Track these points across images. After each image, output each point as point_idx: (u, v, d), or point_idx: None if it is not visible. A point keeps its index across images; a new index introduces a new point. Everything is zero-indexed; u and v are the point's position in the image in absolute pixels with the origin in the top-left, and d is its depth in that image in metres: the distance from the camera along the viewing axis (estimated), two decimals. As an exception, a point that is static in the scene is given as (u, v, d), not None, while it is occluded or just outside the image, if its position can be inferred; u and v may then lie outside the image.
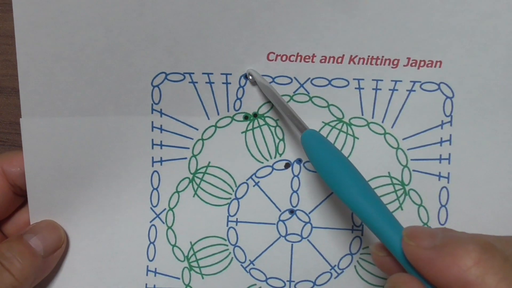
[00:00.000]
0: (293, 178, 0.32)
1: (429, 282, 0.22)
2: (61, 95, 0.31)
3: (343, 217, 0.32)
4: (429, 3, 0.30)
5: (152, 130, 0.32)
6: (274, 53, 0.31)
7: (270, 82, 0.31)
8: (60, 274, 0.33)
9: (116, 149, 0.32)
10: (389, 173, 0.31)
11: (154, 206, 0.32)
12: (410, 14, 0.30)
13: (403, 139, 0.31)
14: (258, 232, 0.32)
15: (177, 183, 0.32)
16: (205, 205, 0.32)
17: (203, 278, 0.33)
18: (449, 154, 0.31)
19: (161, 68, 0.31)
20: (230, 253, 0.32)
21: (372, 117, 0.31)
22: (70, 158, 0.31)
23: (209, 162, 0.32)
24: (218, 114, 0.32)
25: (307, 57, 0.31)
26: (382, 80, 0.31)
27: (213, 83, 0.31)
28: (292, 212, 0.32)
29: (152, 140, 0.32)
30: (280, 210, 0.32)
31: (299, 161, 0.32)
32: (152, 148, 0.32)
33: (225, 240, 0.32)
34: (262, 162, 0.32)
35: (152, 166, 0.32)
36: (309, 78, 0.31)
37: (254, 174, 0.32)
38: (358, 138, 0.31)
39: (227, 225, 0.32)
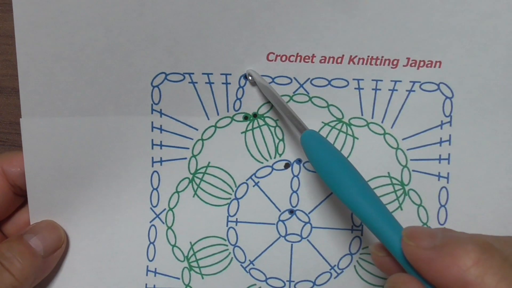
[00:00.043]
0: (292, 178, 0.32)
1: (428, 282, 0.22)
2: (61, 95, 0.31)
3: (342, 217, 0.32)
4: (428, 3, 0.30)
5: (152, 130, 0.32)
6: (274, 53, 0.31)
7: (270, 82, 0.31)
8: (60, 274, 0.33)
9: (116, 149, 0.32)
10: (388, 173, 0.32)
11: (154, 206, 0.32)
12: (410, 14, 0.30)
13: (403, 139, 0.31)
14: (258, 232, 0.32)
15: (177, 183, 0.32)
16: (205, 205, 0.32)
17: (203, 278, 0.33)
18: (449, 154, 0.31)
19: (161, 68, 0.31)
20: (230, 253, 0.33)
21: (372, 117, 0.31)
22: (70, 158, 0.31)
23: (209, 162, 0.32)
24: (218, 114, 0.32)
25: (307, 57, 0.31)
26: (381, 80, 0.31)
27: (213, 83, 0.31)
28: (291, 212, 0.32)
29: (152, 140, 0.32)
30: (280, 210, 0.32)
31: (298, 161, 0.32)
32: (152, 148, 0.32)
33: (225, 240, 0.32)
34: (262, 162, 0.32)
35: (152, 166, 0.32)
36: (309, 78, 0.31)
37: (254, 174, 0.32)
38: (357, 138, 0.31)
39: (227, 225, 0.32)
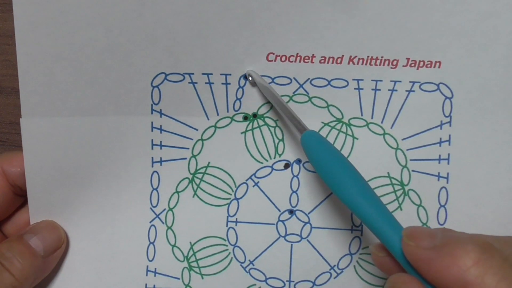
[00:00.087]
0: (292, 178, 0.32)
1: (428, 282, 0.22)
2: (61, 95, 0.31)
3: (342, 217, 0.32)
4: (428, 3, 0.30)
5: (152, 131, 0.32)
6: (273, 54, 0.31)
7: (270, 83, 0.31)
8: (60, 274, 0.33)
9: (116, 149, 0.32)
10: (388, 173, 0.32)
11: (154, 207, 0.32)
12: (410, 14, 0.30)
13: (403, 139, 0.31)
14: (257, 232, 0.32)
15: (176, 183, 0.32)
16: (204, 205, 0.32)
17: (202, 278, 0.33)
18: (448, 154, 0.31)
19: (161, 69, 0.31)
20: (229, 253, 0.33)
21: (372, 118, 0.31)
22: (70, 158, 0.31)
23: (209, 163, 0.32)
24: (218, 114, 0.32)
25: (307, 57, 0.31)
26: (381, 81, 0.31)
27: (213, 83, 0.31)
28: (291, 212, 0.32)
29: (152, 140, 0.32)
30: (279, 210, 0.32)
31: (298, 161, 0.32)
32: (152, 148, 0.32)
33: (225, 240, 0.32)
34: (262, 163, 0.32)
35: (152, 166, 0.32)
36: (309, 79, 0.31)
37: (254, 174, 0.32)
38: (357, 139, 0.31)
39: (227, 225, 0.32)
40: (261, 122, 0.32)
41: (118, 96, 0.31)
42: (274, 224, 0.32)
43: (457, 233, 0.23)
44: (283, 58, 0.31)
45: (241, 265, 0.33)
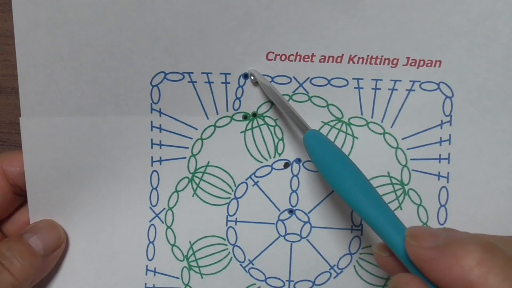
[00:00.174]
0: (292, 177, 0.32)
1: (432, 282, 0.22)
2: (61, 94, 0.31)
3: (342, 217, 0.32)
4: (428, 3, 0.30)
5: (151, 130, 0.32)
6: (273, 53, 0.31)
7: (270, 82, 0.31)
8: (60, 274, 0.33)
9: (116, 149, 0.32)
10: (388, 172, 0.31)
11: (154, 206, 0.32)
12: (410, 13, 0.30)
13: (403, 138, 0.31)
14: (257, 231, 0.32)
15: (176, 182, 0.32)
16: (204, 205, 0.32)
17: (202, 277, 0.33)
18: (449, 153, 0.31)
19: (160, 68, 0.31)
20: (229, 252, 0.32)
21: (372, 117, 0.31)
22: (70, 158, 0.31)
23: (208, 162, 0.32)
24: (217, 113, 0.32)
25: (306, 56, 0.31)
26: (381, 80, 0.31)
27: (212, 82, 0.31)
28: (291, 211, 0.32)
29: (151, 139, 0.32)
30: (279, 210, 0.32)
31: (298, 160, 0.32)
32: (151, 147, 0.32)
33: (225, 239, 0.32)
34: (262, 162, 0.32)
35: (151, 165, 0.32)
36: (308, 78, 0.31)
37: (254, 173, 0.32)
38: (357, 138, 0.31)
39: (226, 225, 0.32)
40: (260, 122, 0.32)
41: (118, 95, 0.31)
42: (273, 223, 0.32)
43: (460, 233, 0.23)
44: (283, 57, 0.31)
45: (240, 265, 0.33)
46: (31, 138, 0.31)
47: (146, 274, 0.33)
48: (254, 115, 0.32)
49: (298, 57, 0.31)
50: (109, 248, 0.32)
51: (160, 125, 0.32)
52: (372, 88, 0.31)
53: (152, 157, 0.32)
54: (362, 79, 0.31)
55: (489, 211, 0.31)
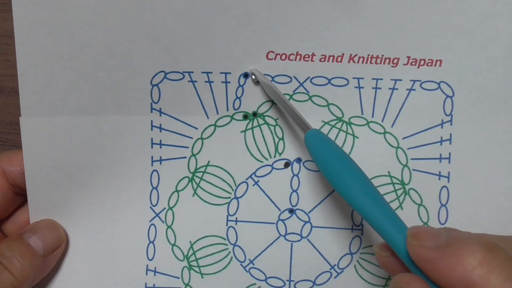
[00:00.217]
0: (292, 177, 0.32)
1: (433, 282, 0.22)
2: (61, 94, 0.31)
3: (343, 217, 0.32)
4: (428, 3, 0.30)
5: (152, 129, 0.32)
6: (273, 52, 0.31)
7: (270, 81, 0.31)
8: (60, 274, 0.33)
9: (116, 149, 0.32)
10: (389, 172, 0.31)
11: (154, 205, 0.32)
12: (410, 13, 0.30)
13: (403, 138, 0.31)
14: (257, 231, 0.32)
15: (176, 182, 0.32)
16: (204, 204, 0.32)
17: (202, 277, 0.33)
18: (449, 153, 0.31)
19: (161, 67, 0.31)
20: (229, 252, 0.32)
21: (372, 116, 0.31)
22: (70, 157, 0.31)
23: (209, 161, 0.32)
24: (218, 113, 0.32)
25: (307, 56, 0.31)
26: (382, 79, 0.31)
27: (213, 82, 0.31)
28: (291, 211, 0.32)
29: (152, 139, 0.32)
30: (279, 210, 0.32)
31: (298, 160, 0.32)
32: (152, 147, 0.32)
33: (225, 239, 0.32)
34: (262, 161, 0.32)
35: (152, 165, 0.32)
36: (309, 77, 0.31)
37: (254, 173, 0.32)
38: (358, 137, 0.31)
39: (227, 225, 0.32)
40: (261, 121, 0.32)
41: (118, 95, 0.31)
42: (274, 223, 0.32)
43: (462, 233, 0.23)
44: (283, 57, 0.31)
45: (241, 264, 0.32)
46: (31, 138, 0.31)
47: (146, 274, 0.33)
48: (255, 114, 0.32)
49: (298, 57, 0.31)
50: (109, 248, 0.32)
51: (160, 124, 0.32)
52: (373, 88, 0.31)
53: (152, 156, 0.32)
54: (363, 78, 0.31)
55: (490, 210, 0.31)
